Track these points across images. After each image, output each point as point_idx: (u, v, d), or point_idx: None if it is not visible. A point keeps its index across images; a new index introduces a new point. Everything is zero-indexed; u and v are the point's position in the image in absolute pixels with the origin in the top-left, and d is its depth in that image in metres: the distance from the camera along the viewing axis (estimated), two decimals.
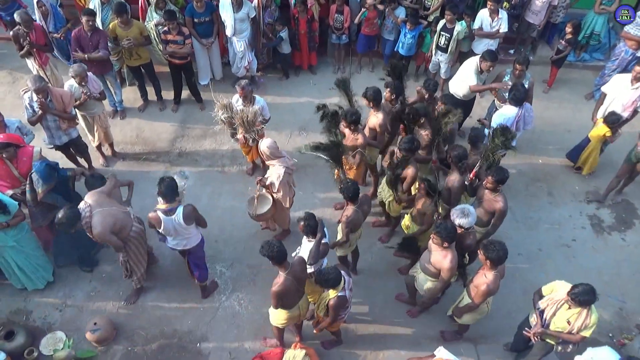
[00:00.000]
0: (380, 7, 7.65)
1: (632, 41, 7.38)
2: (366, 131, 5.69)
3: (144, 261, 5.26)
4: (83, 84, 5.91)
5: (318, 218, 4.57)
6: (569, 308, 4.15)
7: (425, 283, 4.78)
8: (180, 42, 6.85)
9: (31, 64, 6.95)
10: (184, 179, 6.53)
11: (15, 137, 5.24)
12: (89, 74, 6.02)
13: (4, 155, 5.06)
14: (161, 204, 4.70)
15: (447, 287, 4.84)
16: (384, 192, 5.61)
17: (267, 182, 5.32)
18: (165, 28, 6.82)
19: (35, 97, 5.54)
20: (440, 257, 4.44)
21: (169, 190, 4.62)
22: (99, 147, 6.78)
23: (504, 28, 7.22)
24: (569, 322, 4.14)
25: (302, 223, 4.50)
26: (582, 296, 3.99)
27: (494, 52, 6.51)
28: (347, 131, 5.40)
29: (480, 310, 4.67)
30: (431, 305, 5.23)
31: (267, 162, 5.38)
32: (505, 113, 5.89)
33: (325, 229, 4.67)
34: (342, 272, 4.32)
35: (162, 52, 7.12)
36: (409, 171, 5.22)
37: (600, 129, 6.31)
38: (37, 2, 6.87)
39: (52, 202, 5.17)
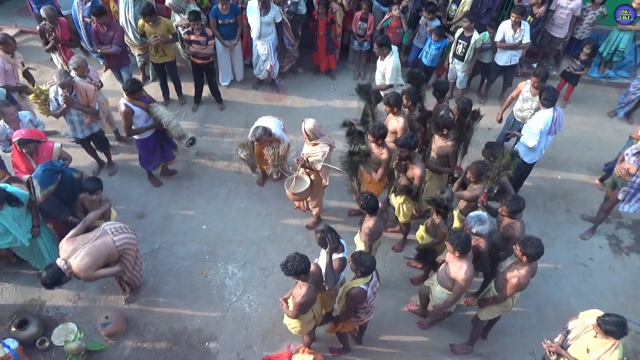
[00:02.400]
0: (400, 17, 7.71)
1: None
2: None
3: (139, 267, 5.24)
4: (84, 75, 6.01)
5: (335, 234, 4.44)
6: (595, 336, 3.95)
7: (441, 295, 4.72)
8: (203, 42, 6.92)
9: (56, 58, 7.09)
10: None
11: (37, 133, 5.34)
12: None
13: (23, 151, 5.16)
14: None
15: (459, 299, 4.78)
16: (395, 196, 5.59)
17: (312, 160, 5.40)
18: (189, 28, 6.90)
19: (60, 91, 5.64)
20: (456, 267, 4.40)
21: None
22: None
23: (526, 39, 7.19)
24: (588, 350, 3.96)
25: (318, 235, 4.41)
26: (610, 326, 3.80)
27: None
28: (372, 145, 5.40)
29: (506, 304, 4.62)
30: (443, 318, 5.18)
31: (309, 142, 5.48)
32: (544, 117, 5.70)
33: (342, 242, 4.58)
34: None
35: (185, 52, 7.21)
36: (416, 171, 5.19)
37: None
38: None
39: (51, 208, 5.10)
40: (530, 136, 5.80)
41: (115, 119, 6.95)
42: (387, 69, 6.49)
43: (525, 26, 7.18)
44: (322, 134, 5.47)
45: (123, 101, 5.62)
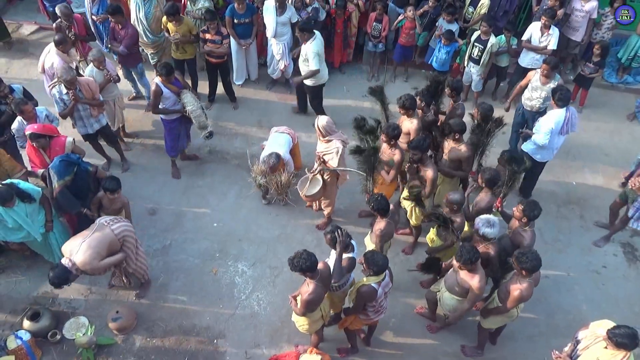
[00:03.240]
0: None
1: None
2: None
3: (142, 258, 5.29)
4: (101, 67, 6.10)
5: (346, 231, 4.43)
6: (606, 347, 3.87)
7: (450, 302, 4.67)
8: (218, 41, 6.97)
9: (73, 54, 7.16)
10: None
11: (50, 127, 5.41)
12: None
13: (35, 145, 5.23)
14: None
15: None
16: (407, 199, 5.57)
17: (327, 158, 5.47)
18: (204, 27, 6.97)
19: (64, 90, 5.72)
20: (467, 276, 4.36)
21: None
22: (117, 132, 6.94)
23: (552, 45, 7.04)
24: None
25: (328, 236, 4.41)
26: (621, 338, 3.73)
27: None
28: (385, 145, 5.39)
29: (510, 314, 4.57)
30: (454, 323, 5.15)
31: (323, 139, 5.52)
32: (556, 116, 5.72)
33: (353, 241, 4.58)
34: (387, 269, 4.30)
35: (199, 50, 7.27)
36: (428, 173, 5.16)
37: None
38: None
39: (65, 201, 5.16)
40: (540, 134, 5.80)
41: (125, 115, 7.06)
42: (308, 54, 6.52)
43: (554, 32, 7.03)
44: (334, 131, 5.49)
45: (156, 81, 5.93)
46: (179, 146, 6.59)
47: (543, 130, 5.76)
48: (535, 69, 7.40)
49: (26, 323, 5.13)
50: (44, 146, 5.28)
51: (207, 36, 6.95)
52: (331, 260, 4.57)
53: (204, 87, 7.73)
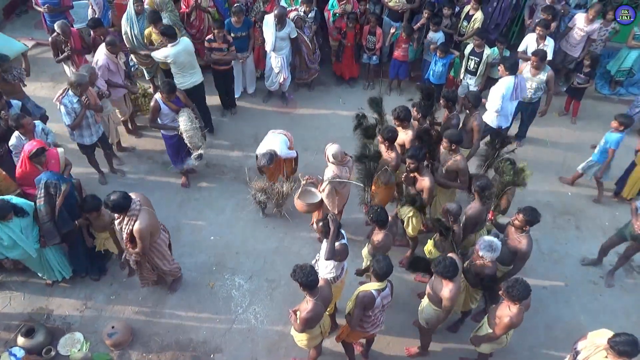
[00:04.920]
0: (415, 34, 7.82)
1: None
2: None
3: (156, 268, 5.28)
4: (94, 84, 6.14)
5: (336, 219, 4.54)
6: (606, 357, 3.85)
7: (429, 309, 4.64)
8: (225, 50, 7.09)
9: (68, 69, 7.21)
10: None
11: (42, 142, 5.33)
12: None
13: (35, 161, 5.15)
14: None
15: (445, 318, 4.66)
16: (404, 209, 5.57)
17: (315, 179, 5.61)
18: (210, 36, 7.09)
19: (74, 100, 5.76)
20: (440, 284, 4.35)
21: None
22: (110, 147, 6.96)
23: (548, 55, 7.15)
24: None
25: (320, 224, 4.51)
26: (623, 346, 3.71)
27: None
28: (382, 147, 5.42)
29: (500, 341, 4.54)
30: (429, 334, 5.04)
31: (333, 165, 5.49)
32: (506, 83, 6.29)
33: (342, 231, 4.63)
34: (388, 282, 4.30)
35: (206, 60, 7.37)
36: (424, 183, 5.18)
37: None
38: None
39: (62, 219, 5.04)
40: (493, 101, 6.44)
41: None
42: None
43: (550, 42, 7.15)
44: (338, 164, 5.38)
45: (156, 97, 6.00)
46: (180, 160, 6.61)
47: (496, 96, 6.37)
48: None
49: (20, 339, 5.06)
50: (43, 161, 5.22)
51: (214, 45, 7.05)
52: (322, 252, 4.65)
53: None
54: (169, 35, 6.43)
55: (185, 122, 5.99)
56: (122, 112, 7.12)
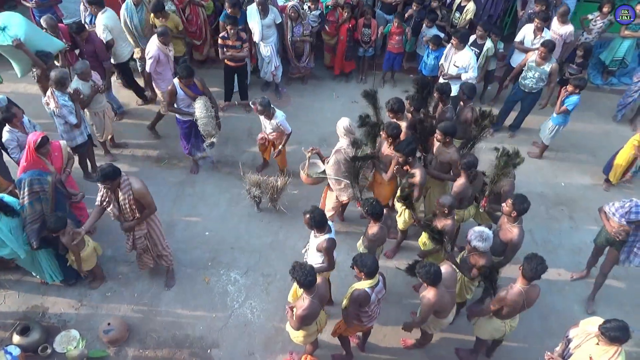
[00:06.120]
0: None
1: None
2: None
3: (155, 247, 5.32)
4: (87, 79, 6.09)
5: (322, 211, 4.55)
6: (597, 344, 3.89)
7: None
8: (239, 47, 7.09)
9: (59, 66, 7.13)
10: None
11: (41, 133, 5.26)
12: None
13: (41, 152, 5.05)
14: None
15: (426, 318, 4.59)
16: (398, 203, 5.59)
17: (318, 150, 5.78)
18: (224, 33, 7.05)
19: (66, 97, 5.74)
20: (424, 288, 4.38)
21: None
22: (103, 144, 6.93)
23: None
24: (591, 358, 3.90)
25: (307, 216, 4.46)
26: (613, 332, 3.75)
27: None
28: (385, 144, 5.42)
29: (496, 327, 4.57)
30: (413, 328, 4.94)
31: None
32: (469, 54, 6.74)
33: (330, 223, 4.63)
34: (380, 276, 4.29)
35: (220, 57, 7.38)
36: (415, 178, 5.17)
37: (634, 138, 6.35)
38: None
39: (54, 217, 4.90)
40: (469, 72, 6.75)
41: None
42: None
43: (547, 34, 7.15)
44: (349, 136, 5.44)
45: (174, 81, 6.04)
46: (192, 147, 6.69)
47: (470, 67, 6.69)
48: None
49: (16, 338, 5.04)
50: (48, 152, 5.12)
51: (229, 42, 7.04)
52: (311, 245, 4.67)
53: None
54: (96, 3, 6.70)
55: (200, 110, 6.02)
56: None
